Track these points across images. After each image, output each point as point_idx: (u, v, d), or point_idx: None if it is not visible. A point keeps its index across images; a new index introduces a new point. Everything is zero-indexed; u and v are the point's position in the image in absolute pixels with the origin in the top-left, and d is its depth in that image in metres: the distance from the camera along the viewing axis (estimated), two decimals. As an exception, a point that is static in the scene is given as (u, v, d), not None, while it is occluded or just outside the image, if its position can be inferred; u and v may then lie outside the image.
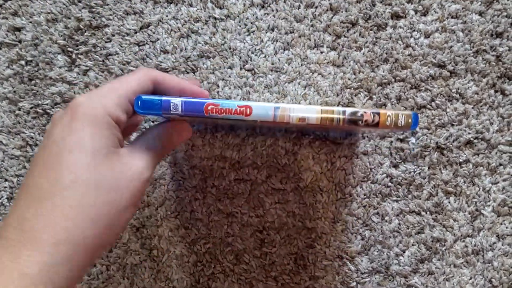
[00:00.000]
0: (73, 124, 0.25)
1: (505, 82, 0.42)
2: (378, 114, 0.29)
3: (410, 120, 0.29)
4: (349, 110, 0.28)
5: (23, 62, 0.43)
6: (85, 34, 0.43)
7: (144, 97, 0.28)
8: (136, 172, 0.27)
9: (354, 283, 0.40)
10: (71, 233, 0.24)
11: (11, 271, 0.22)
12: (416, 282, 0.40)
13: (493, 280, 0.39)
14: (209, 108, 0.28)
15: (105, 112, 0.26)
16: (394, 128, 0.29)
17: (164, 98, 0.28)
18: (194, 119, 0.32)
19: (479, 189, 0.41)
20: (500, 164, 0.41)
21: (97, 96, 0.27)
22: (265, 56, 0.43)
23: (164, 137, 0.31)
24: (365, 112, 0.29)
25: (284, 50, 0.43)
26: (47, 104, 0.43)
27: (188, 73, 0.43)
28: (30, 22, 0.43)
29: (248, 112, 0.28)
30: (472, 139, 0.41)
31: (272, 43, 0.43)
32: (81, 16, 0.43)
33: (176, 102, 0.28)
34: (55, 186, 0.24)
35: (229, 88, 0.42)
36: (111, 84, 0.28)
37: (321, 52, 0.43)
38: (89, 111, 0.26)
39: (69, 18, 0.43)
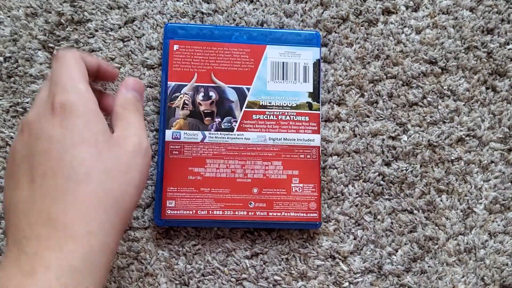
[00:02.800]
0: (66, 121, 0.26)
1: (496, 79, 0.42)
2: None
3: None
4: None
5: (1, 59, 0.41)
6: (67, 29, 0.41)
7: None
8: (136, 148, 0.28)
9: (347, 283, 0.39)
10: (101, 221, 0.25)
11: (60, 267, 0.23)
12: (409, 281, 0.39)
13: (485, 278, 0.39)
14: None
15: (89, 102, 0.27)
16: None
17: None
18: None
19: (471, 186, 0.41)
20: (492, 162, 0.41)
21: (73, 91, 0.27)
22: (254, 52, 0.42)
23: (126, 101, 0.31)
24: None
25: (274, 46, 0.42)
26: (27, 103, 0.41)
27: (175, 69, 0.41)
28: (8, 16, 0.41)
29: None
30: (463, 136, 0.41)
31: (262, 39, 0.42)
32: (62, 10, 0.41)
33: None
34: (70, 181, 0.25)
35: (218, 85, 0.41)
36: (67, 74, 0.28)
37: (312, 48, 0.42)
38: (76, 107, 0.27)
39: (50, 12, 0.42)
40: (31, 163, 0.26)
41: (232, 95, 0.40)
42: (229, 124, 0.39)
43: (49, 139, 0.26)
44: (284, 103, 0.40)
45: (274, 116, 0.40)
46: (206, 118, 0.39)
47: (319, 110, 0.40)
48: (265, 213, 0.38)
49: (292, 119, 0.40)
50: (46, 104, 0.27)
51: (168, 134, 0.39)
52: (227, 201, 0.38)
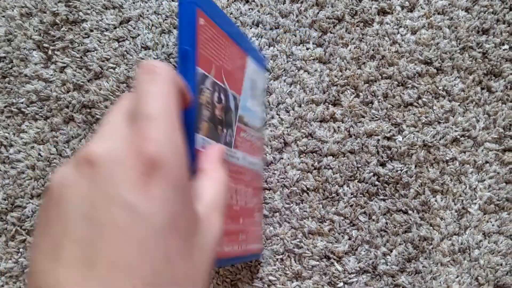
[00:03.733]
0: (155, 190, 0.18)
1: (491, 79, 0.42)
2: None
3: None
4: None
5: (-4, 59, 0.41)
6: (62, 29, 0.41)
7: None
8: (215, 237, 0.22)
9: (342, 283, 0.39)
10: None
11: None
12: (403, 281, 0.39)
13: (479, 278, 0.39)
14: None
15: (183, 166, 0.20)
16: None
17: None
18: None
19: (466, 187, 0.41)
20: (487, 162, 0.41)
21: (169, 144, 0.19)
22: (249, 53, 0.42)
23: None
24: None
25: (269, 46, 0.42)
26: (22, 103, 0.41)
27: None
28: (3, 16, 0.41)
29: None
30: (458, 136, 0.41)
31: (257, 39, 0.42)
32: (57, 10, 0.41)
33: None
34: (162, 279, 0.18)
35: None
36: (164, 111, 0.20)
37: (307, 49, 0.42)
38: (169, 173, 0.19)
39: (45, 12, 0.41)
40: (93, 238, 0.18)
41: (232, 103, 0.33)
42: (230, 139, 0.32)
43: (130, 211, 0.18)
44: (253, 124, 0.37)
45: (250, 137, 0.36)
46: (218, 126, 0.30)
47: (264, 137, 0.39)
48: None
49: (254, 142, 0.37)
50: (127, 145, 0.19)
51: (199, 141, 0.27)
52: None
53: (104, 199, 0.18)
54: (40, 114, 0.41)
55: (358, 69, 0.42)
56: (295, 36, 0.42)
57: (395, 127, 0.41)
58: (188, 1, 0.28)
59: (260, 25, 0.42)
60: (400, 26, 0.42)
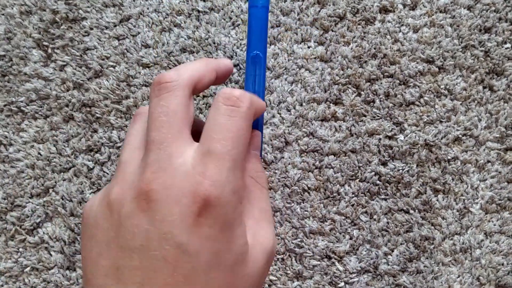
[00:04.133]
0: (202, 228, 0.20)
1: (494, 78, 0.42)
2: None
3: None
4: None
5: (-5, 57, 0.41)
6: (62, 27, 0.41)
7: None
8: (269, 259, 0.23)
9: (343, 283, 0.39)
10: None
11: None
12: (404, 281, 0.39)
13: (480, 277, 0.39)
14: None
15: (238, 210, 0.21)
16: None
17: None
18: None
19: (467, 186, 0.40)
20: (488, 161, 0.41)
21: (230, 185, 0.20)
22: (250, 51, 0.42)
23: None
24: None
25: (270, 45, 0.42)
26: (21, 102, 0.40)
27: (170, 68, 0.41)
28: (3, 14, 0.41)
29: None
30: (460, 136, 0.41)
31: (258, 38, 0.42)
32: (57, 8, 0.41)
33: None
34: None
35: (214, 84, 0.41)
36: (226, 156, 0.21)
37: (309, 47, 0.42)
38: (222, 213, 0.20)
39: (44, 10, 0.41)
40: (148, 268, 0.20)
41: None
42: None
43: (180, 249, 0.20)
44: None
45: None
46: None
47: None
48: None
49: None
50: (187, 182, 0.20)
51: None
52: None
53: (159, 235, 0.20)
54: (39, 112, 0.41)
55: (359, 67, 0.42)
56: (296, 35, 0.42)
57: (396, 126, 0.41)
58: (260, 5, 0.28)
59: (261, 23, 0.42)
60: (402, 25, 0.42)
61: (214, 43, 0.42)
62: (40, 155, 0.40)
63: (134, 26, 0.41)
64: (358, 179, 0.40)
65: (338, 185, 0.40)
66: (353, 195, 0.40)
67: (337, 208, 0.40)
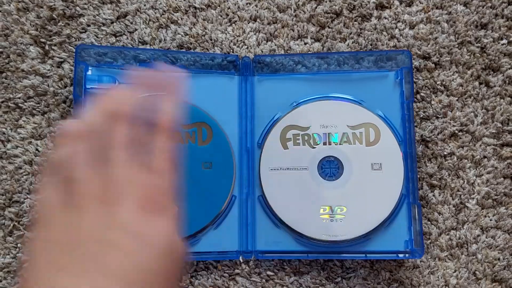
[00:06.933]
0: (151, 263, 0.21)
1: (490, 74, 0.42)
2: None
3: None
4: None
5: (-8, 54, 0.41)
6: (59, 24, 0.41)
7: None
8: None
9: (340, 278, 0.39)
10: None
11: None
12: (401, 276, 0.39)
13: (477, 272, 0.39)
14: None
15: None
16: None
17: None
18: None
19: (464, 181, 0.41)
20: (484, 157, 0.41)
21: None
22: (247, 48, 0.42)
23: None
24: None
25: (267, 41, 0.42)
26: (19, 98, 0.41)
27: (170, 63, 0.41)
28: (0, 11, 0.41)
29: None
30: (456, 131, 0.41)
31: (255, 34, 0.42)
32: (54, 5, 0.41)
33: None
34: None
35: (211, 81, 0.41)
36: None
37: (305, 43, 0.42)
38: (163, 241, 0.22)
39: (41, 7, 0.41)
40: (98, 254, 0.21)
41: None
42: None
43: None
44: None
45: None
46: None
47: None
48: None
49: None
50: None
51: None
52: None
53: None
54: (37, 109, 0.41)
55: (356, 63, 0.42)
56: (293, 31, 0.42)
57: (393, 122, 0.41)
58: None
59: (258, 19, 0.42)
60: (398, 21, 0.42)
61: (211, 39, 0.42)
62: (38, 151, 0.41)
63: (131, 23, 0.42)
64: (354, 175, 0.41)
65: (334, 180, 0.40)
66: (350, 190, 0.40)
67: (334, 203, 0.40)
